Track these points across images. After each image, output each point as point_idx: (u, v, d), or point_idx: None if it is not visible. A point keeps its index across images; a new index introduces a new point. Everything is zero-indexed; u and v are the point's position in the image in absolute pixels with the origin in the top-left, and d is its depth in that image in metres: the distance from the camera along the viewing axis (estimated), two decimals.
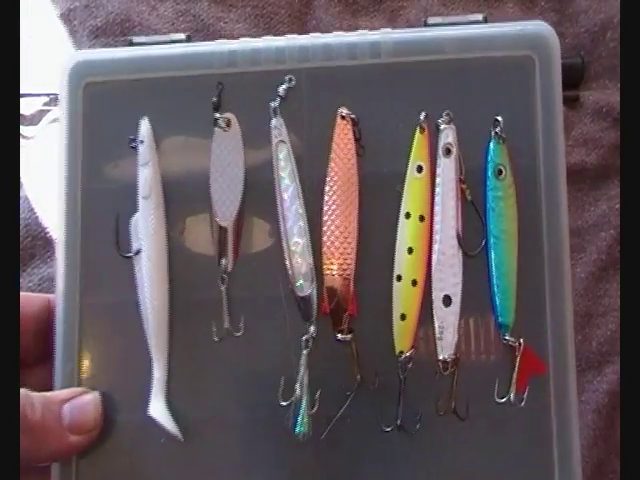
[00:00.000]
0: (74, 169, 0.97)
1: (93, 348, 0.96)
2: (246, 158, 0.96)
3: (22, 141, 1.10)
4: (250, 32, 1.29)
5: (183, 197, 0.97)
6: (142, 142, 0.96)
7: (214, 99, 0.97)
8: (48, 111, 1.12)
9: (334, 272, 0.92)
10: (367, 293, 0.93)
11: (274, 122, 0.95)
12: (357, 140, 0.95)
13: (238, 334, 0.94)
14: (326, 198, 0.93)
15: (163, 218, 0.96)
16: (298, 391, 0.91)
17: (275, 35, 0.99)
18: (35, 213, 1.09)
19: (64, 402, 0.89)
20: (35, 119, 1.17)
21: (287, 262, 0.93)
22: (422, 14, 1.30)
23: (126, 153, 0.97)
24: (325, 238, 0.92)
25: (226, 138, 0.96)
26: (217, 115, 0.96)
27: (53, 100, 1.20)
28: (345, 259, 0.92)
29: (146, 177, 0.95)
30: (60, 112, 0.97)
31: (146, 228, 0.94)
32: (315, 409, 0.92)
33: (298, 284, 0.93)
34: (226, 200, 0.94)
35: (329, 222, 0.93)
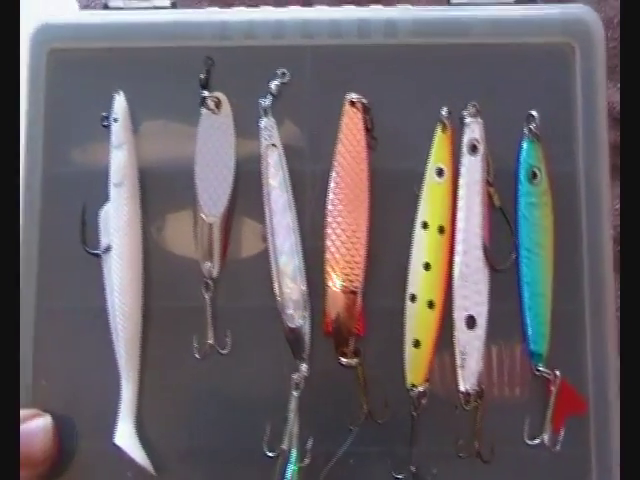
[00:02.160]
0: (34, 150, 0.83)
1: (50, 361, 0.81)
2: (238, 145, 0.82)
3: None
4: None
5: (163, 188, 0.83)
6: (116, 120, 0.82)
7: (202, 76, 0.83)
8: None
9: (338, 285, 0.78)
10: (375, 312, 0.80)
11: (264, 123, 0.82)
12: (368, 131, 0.81)
13: (224, 352, 0.80)
14: (331, 197, 0.80)
15: (138, 210, 0.82)
16: (286, 443, 0.77)
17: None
18: None
19: None
20: None
21: (275, 286, 0.79)
22: None
23: (97, 133, 0.83)
24: (329, 243, 0.79)
25: (215, 121, 0.82)
26: (205, 94, 0.82)
27: None
28: (352, 269, 0.78)
29: (120, 161, 0.81)
30: (21, 82, 0.83)
31: (118, 221, 0.80)
32: (307, 461, 0.78)
33: (287, 313, 0.79)
34: (213, 193, 0.81)
35: (334, 225, 0.79)
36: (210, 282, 0.80)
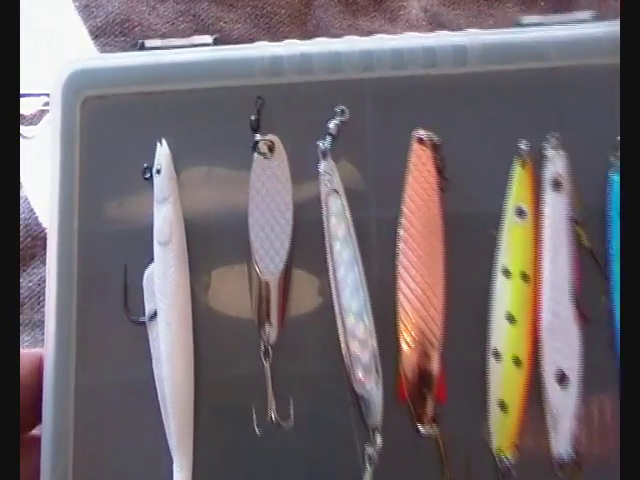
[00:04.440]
0: (69, 206, 0.78)
1: (92, 443, 0.75)
2: (294, 192, 0.77)
3: (22, 141, 1.02)
4: (250, 32, 1.28)
5: (211, 243, 0.78)
6: (159, 172, 0.77)
7: (253, 117, 0.78)
8: (48, 111, 0.99)
9: (413, 344, 0.73)
10: (453, 371, 0.74)
11: (323, 167, 0.76)
12: (439, 171, 0.76)
13: (287, 426, 0.73)
14: (401, 246, 0.74)
15: (187, 270, 0.76)
16: None
17: (275, 37, 0.83)
18: (35, 213, 1.02)
19: None
20: (35, 119, 1.12)
21: (343, 348, 0.73)
22: (422, 14, 1.34)
23: (137, 187, 0.78)
24: (401, 297, 0.73)
25: (268, 167, 0.77)
26: (257, 137, 0.77)
27: None
28: (428, 324, 0.73)
29: (165, 217, 0.76)
30: (52, 134, 0.79)
31: (165, 283, 0.75)
32: None
33: (357, 379, 0.73)
34: (270, 248, 0.75)
35: (406, 277, 0.74)
36: (269, 348, 0.74)
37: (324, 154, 0.76)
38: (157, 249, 0.76)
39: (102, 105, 0.79)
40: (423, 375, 0.72)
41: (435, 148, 0.76)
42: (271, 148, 0.77)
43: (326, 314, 0.75)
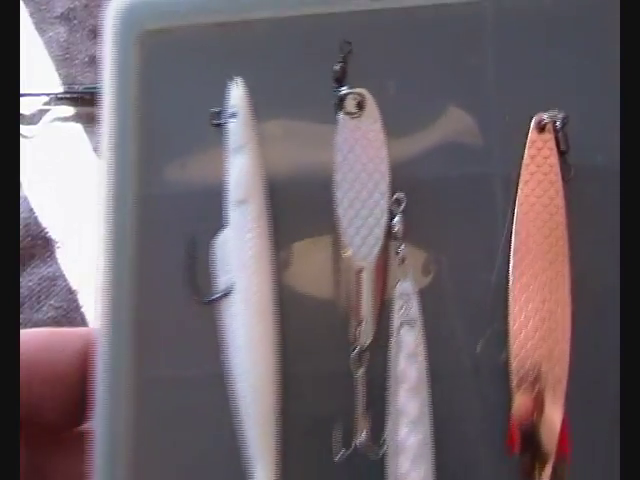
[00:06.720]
0: (122, 166, 0.67)
1: (152, 446, 0.65)
2: (392, 156, 0.64)
3: (22, 141, 1.04)
4: None
5: (293, 211, 0.66)
6: (234, 115, 0.66)
7: (337, 66, 0.65)
8: (48, 110, 1.12)
9: (528, 381, 0.59)
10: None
11: None
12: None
13: (375, 456, 0.60)
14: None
15: (269, 237, 0.65)
16: None
17: None
18: (35, 213, 1.06)
19: None
20: (35, 119, 1.17)
21: None
22: None
23: (205, 138, 0.67)
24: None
25: (358, 128, 0.64)
26: (343, 90, 0.64)
27: (53, 100, 1.21)
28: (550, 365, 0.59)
29: (241, 169, 0.65)
30: (104, 78, 0.68)
31: (242, 251, 0.64)
32: None
33: None
34: (362, 226, 0.63)
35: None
36: (364, 352, 0.61)
37: None
38: (232, 210, 0.65)
39: (164, 41, 0.68)
40: (540, 425, 0.59)
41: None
42: (360, 105, 0.64)
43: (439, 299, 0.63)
